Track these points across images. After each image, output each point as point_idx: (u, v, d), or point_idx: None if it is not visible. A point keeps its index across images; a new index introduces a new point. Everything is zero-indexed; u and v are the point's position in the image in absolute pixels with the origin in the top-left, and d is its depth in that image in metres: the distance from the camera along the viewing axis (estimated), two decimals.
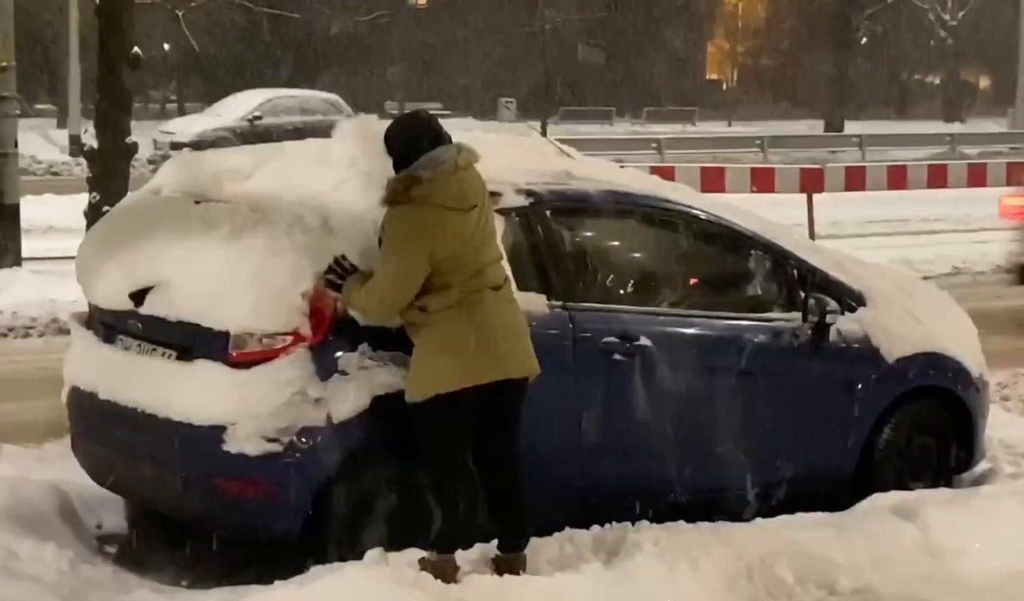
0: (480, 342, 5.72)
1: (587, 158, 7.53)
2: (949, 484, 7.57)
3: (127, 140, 14.71)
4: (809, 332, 7.11)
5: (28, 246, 15.89)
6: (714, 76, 72.12)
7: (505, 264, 6.03)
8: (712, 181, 18.46)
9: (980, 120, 60.21)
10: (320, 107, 36.63)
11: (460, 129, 6.08)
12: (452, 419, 5.77)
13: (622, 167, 7.85)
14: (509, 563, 5.93)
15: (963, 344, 7.76)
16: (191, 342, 6.09)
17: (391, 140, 5.87)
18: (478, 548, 6.03)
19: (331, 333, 5.99)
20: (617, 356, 6.59)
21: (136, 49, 14.57)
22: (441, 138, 5.81)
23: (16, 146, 15.52)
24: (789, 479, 7.13)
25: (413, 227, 5.67)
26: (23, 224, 15.85)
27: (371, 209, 5.97)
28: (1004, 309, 14.96)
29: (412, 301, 5.73)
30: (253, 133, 32.10)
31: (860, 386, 7.27)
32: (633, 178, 7.39)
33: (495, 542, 6.01)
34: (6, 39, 15.24)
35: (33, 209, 19.16)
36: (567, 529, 6.35)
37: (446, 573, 5.77)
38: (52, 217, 19.92)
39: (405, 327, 5.84)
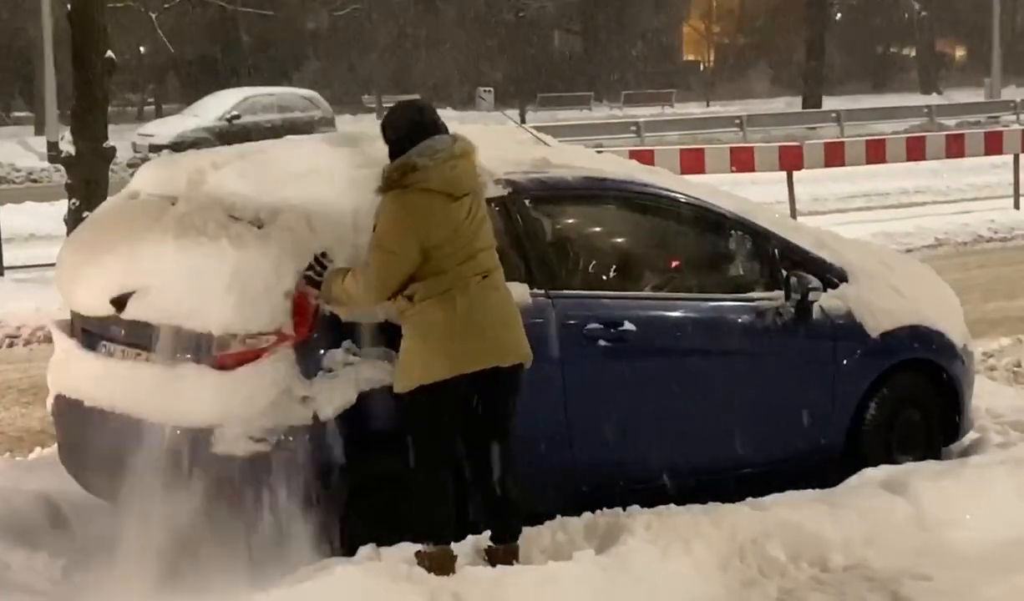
0: (468, 330, 5.70)
1: (564, 145, 7.53)
2: (938, 456, 7.59)
3: (105, 145, 14.60)
4: (792, 310, 7.12)
5: (10, 255, 15.84)
6: (691, 57, 72.07)
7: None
8: (691, 162, 18.48)
9: (957, 91, 60.28)
10: (298, 104, 36.69)
11: None
12: (441, 409, 5.75)
13: (600, 152, 7.85)
14: (502, 553, 5.93)
15: (946, 316, 7.78)
16: (174, 345, 6.06)
17: (387, 128, 5.86)
18: (470, 540, 6.02)
19: (315, 331, 5.96)
20: (602, 342, 6.60)
21: (111, 53, 14.47)
22: (437, 127, 5.82)
23: None
24: (778, 457, 7.14)
25: (407, 212, 5.65)
26: (4, 233, 15.80)
27: (351, 206, 5.97)
28: (987, 279, 15.02)
29: (401, 289, 5.70)
30: (232, 132, 32.06)
31: (845, 362, 7.29)
32: (611, 163, 7.39)
33: (487, 533, 6.01)
34: None
35: (14, 217, 19.14)
36: (559, 517, 6.35)
37: (444, 563, 5.75)
38: (33, 225, 19.85)
39: (397, 316, 5.82)
